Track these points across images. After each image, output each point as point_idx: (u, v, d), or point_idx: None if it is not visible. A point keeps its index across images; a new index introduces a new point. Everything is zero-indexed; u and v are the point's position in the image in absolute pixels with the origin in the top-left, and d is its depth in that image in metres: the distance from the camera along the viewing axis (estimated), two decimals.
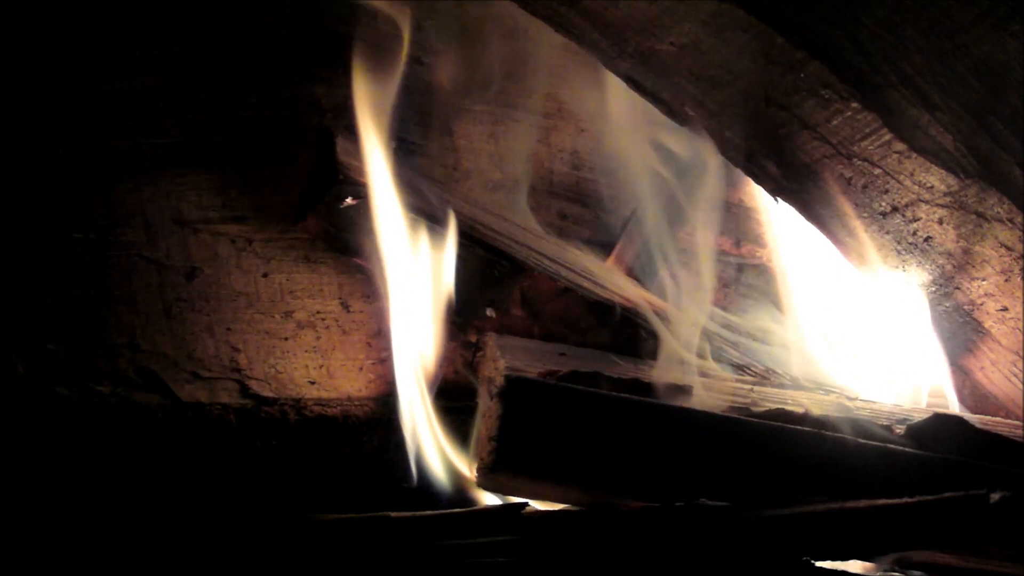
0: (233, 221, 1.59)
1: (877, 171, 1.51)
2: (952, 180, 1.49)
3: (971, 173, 1.48)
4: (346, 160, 1.52)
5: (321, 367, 1.59)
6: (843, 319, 1.76)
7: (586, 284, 1.63)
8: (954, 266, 1.56)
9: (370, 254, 1.53)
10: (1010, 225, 1.50)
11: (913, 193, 1.52)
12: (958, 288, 1.58)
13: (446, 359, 1.54)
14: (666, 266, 1.70)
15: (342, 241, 1.55)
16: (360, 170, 1.52)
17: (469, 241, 1.56)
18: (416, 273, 1.52)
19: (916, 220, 1.54)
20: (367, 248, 1.53)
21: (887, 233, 1.56)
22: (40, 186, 1.53)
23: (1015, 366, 1.60)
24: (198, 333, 1.56)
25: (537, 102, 1.78)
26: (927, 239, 1.55)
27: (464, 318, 1.58)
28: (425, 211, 1.54)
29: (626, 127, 1.76)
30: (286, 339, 1.59)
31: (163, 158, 1.58)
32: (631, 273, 1.77)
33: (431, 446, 1.51)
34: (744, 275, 1.83)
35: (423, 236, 1.53)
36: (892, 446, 1.40)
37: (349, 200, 1.50)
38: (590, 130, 1.81)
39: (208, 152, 1.59)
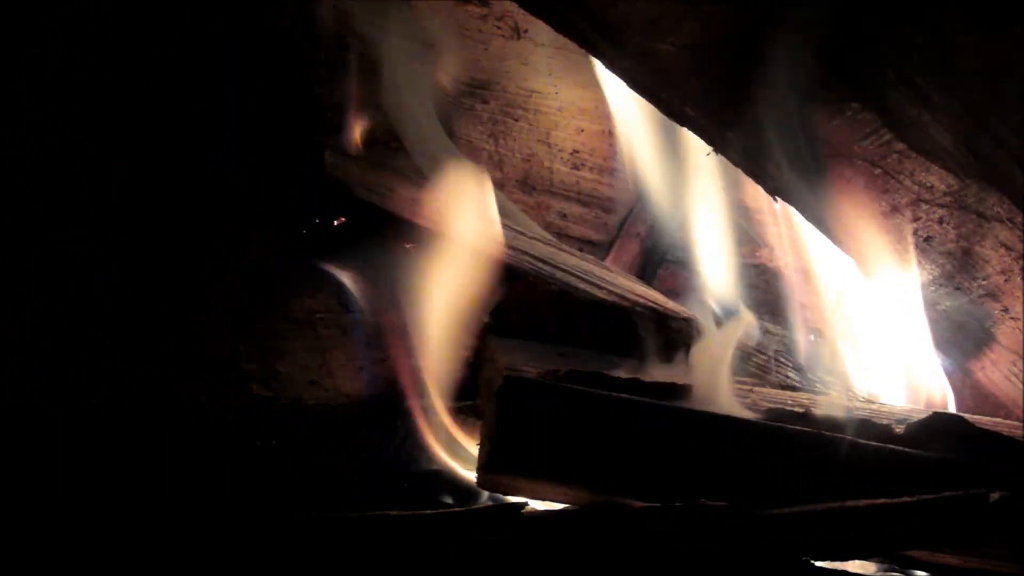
0: (233, 220, 1.59)
1: (877, 171, 1.51)
2: (952, 180, 1.49)
3: (971, 173, 1.48)
4: (335, 176, 1.51)
5: (321, 367, 1.59)
6: (843, 319, 1.76)
7: (583, 286, 1.63)
8: (954, 266, 1.56)
9: (367, 266, 1.54)
10: (1010, 225, 1.50)
11: (913, 193, 1.52)
12: (958, 288, 1.58)
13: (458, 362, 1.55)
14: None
15: (335, 257, 1.55)
16: (351, 186, 1.52)
17: (462, 250, 1.56)
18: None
19: (916, 220, 1.54)
20: (363, 261, 1.54)
21: (887, 233, 1.56)
22: (40, 184, 1.53)
23: (1015, 366, 1.60)
24: (198, 333, 1.56)
25: (537, 102, 1.79)
26: (927, 239, 1.55)
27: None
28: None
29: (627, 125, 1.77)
30: (286, 339, 1.59)
31: (163, 157, 1.58)
32: (633, 270, 1.77)
33: (434, 446, 1.51)
34: (744, 275, 1.83)
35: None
36: (892, 446, 1.40)
37: (341, 219, 1.51)
38: (590, 130, 1.82)
39: (208, 152, 1.59)
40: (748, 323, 1.59)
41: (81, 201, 1.53)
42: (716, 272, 1.74)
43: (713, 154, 1.64)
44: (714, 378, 1.49)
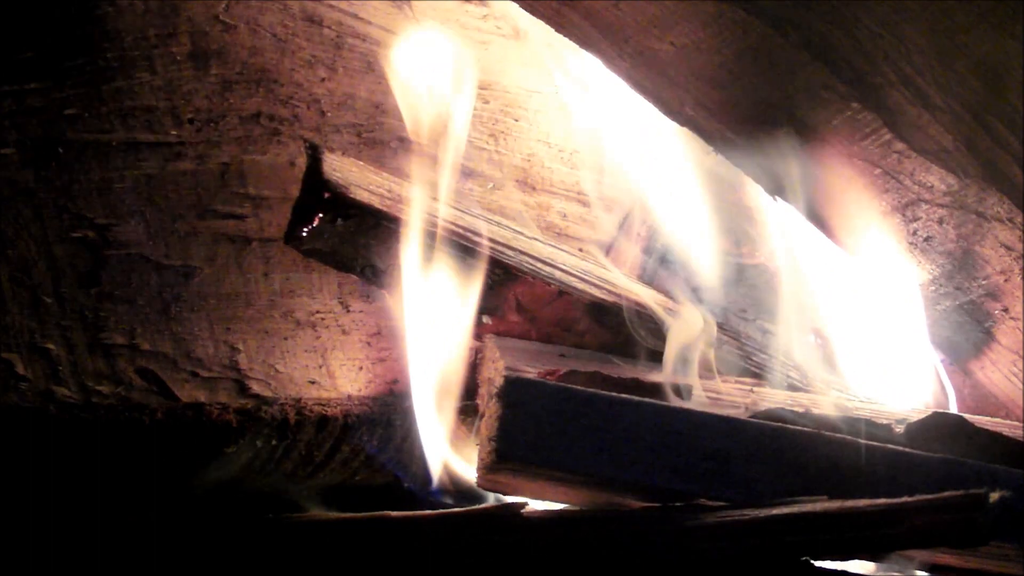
0: (233, 220, 1.59)
1: (877, 171, 1.51)
2: (952, 180, 1.49)
3: (971, 173, 1.48)
4: (333, 177, 1.51)
5: (321, 367, 1.59)
6: (843, 319, 1.76)
7: (582, 286, 1.63)
8: (954, 266, 1.56)
9: (364, 271, 1.55)
10: (1010, 225, 1.50)
11: (913, 193, 1.52)
12: (958, 288, 1.58)
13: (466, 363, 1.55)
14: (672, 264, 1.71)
15: (334, 259, 1.55)
16: (350, 186, 1.51)
17: (461, 252, 1.56)
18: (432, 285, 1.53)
19: (916, 220, 1.54)
20: (360, 265, 1.54)
21: (887, 233, 1.56)
22: (39, 185, 1.53)
23: (1015, 366, 1.60)
24: (197, 333, 1.56)
25: (537, 102, 1.78)
26: (927, 239, 1.55)
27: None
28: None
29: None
30: (286, 339, 1.59)
31: (162, 157, 1.58)
32: (633, 270, 1.77)
33: (435, 446, 1.51)
34: (744, 275, 1.83)
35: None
36: (892, 446, 1.40)
37: (339, 221, 1.50)
38: (590, 130, 1.81)
39: (207, 151, 1.59)
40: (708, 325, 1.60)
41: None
42: (713, 272, 1.73)
43: (713, 154, 1.64)
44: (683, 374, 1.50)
